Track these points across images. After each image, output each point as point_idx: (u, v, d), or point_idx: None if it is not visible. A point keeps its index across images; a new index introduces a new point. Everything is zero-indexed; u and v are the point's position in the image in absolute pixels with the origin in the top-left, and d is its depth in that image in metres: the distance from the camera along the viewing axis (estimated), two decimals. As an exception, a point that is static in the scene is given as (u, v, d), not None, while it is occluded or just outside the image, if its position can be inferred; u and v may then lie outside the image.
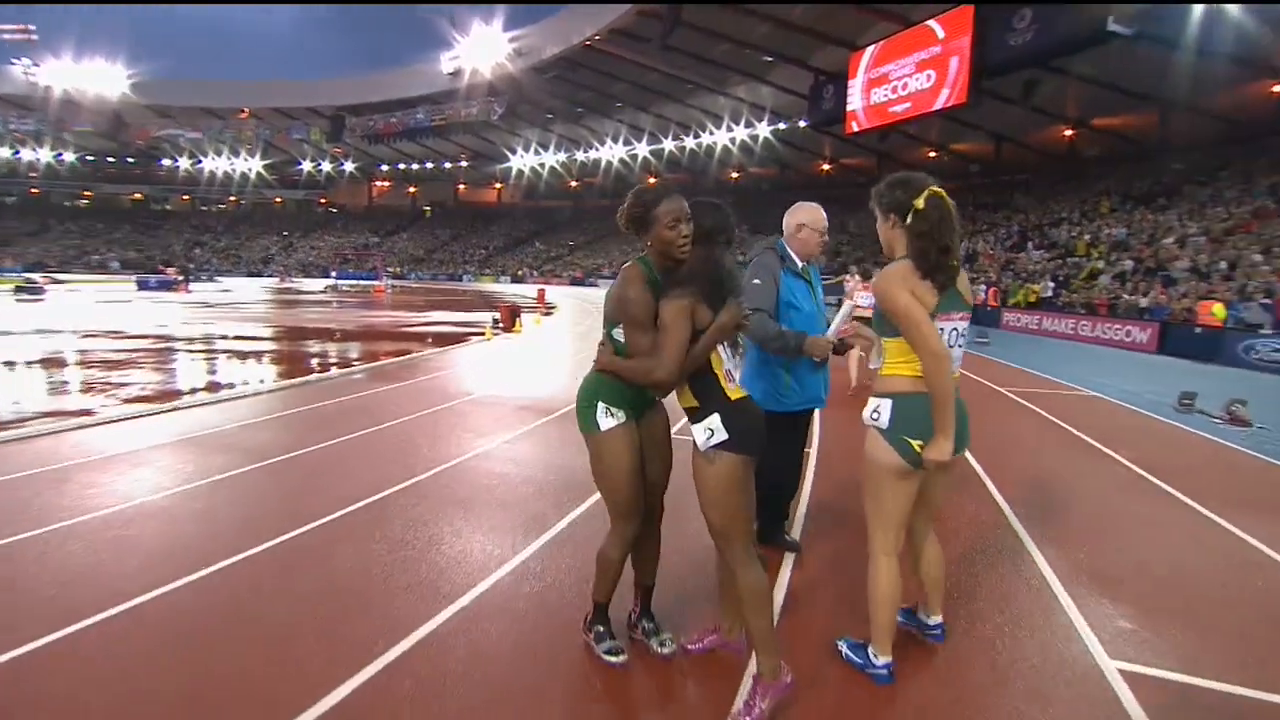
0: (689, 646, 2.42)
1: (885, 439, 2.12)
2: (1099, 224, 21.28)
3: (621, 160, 47.61)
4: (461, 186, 64.42)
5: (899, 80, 25.37)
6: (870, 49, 26.53)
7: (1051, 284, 18.12)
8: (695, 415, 2.03)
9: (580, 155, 50.66)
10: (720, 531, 2.06)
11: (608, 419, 2.17)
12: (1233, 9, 17.73)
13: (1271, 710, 2.20)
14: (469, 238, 59.18)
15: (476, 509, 3.91)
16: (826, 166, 41.40)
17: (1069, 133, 28.00)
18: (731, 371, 2.07)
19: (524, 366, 9.92)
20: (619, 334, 2.11)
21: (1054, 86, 23.93)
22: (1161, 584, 3.12)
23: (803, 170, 42.84)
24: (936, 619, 2.49)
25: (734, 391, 2.05)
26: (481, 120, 45.25)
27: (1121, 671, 2.36)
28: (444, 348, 11.53)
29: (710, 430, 1.98)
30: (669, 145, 43.94)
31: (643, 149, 45.33)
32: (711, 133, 41.15)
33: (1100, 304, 16.56)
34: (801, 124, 34.57)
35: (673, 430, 2.41)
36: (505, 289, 38.50)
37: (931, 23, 22.72)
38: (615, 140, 46.31)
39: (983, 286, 20.98)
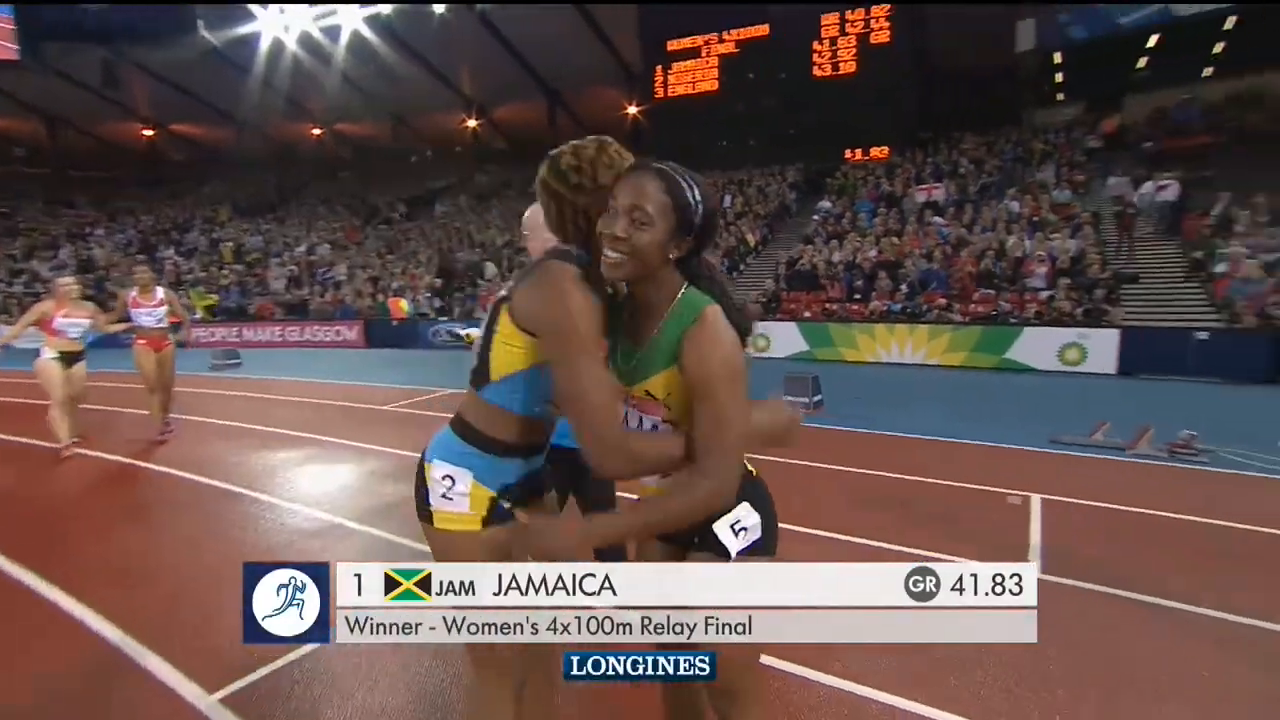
0: None
1: None
2: (230, 230, 21.45)
3: None
4: None
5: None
6: None
7: (238, 290, 17.15)
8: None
9: None
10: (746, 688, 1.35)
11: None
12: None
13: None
14: None
15: None
16: None
17: (149, 133, 26.11)
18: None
19: None
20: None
21: (138, 79, 21.76)
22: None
23: None
24: None
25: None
26: None
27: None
28: None
29: (740, 526, 1.28)
30: None
31: None
32: None
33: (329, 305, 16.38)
34: None
35: None
36: None
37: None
38: None
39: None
